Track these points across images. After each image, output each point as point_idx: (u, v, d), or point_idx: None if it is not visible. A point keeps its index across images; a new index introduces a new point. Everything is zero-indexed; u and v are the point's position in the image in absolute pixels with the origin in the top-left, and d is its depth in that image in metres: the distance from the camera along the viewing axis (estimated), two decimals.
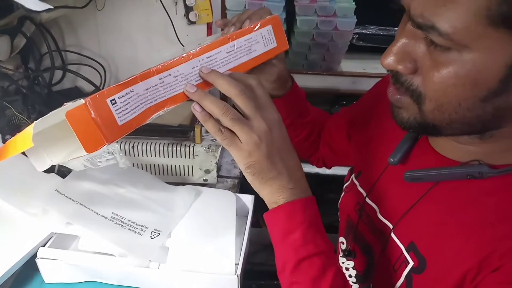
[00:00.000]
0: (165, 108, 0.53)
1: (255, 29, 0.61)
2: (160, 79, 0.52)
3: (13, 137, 0.52)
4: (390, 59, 0.47)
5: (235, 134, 0.52)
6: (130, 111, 0.49)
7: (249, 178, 0.55)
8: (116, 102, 0.47)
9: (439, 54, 0.43)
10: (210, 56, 0.56)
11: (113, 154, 0.53)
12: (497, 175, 0.50)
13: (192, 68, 0.54)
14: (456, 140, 0.53)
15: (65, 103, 0.47)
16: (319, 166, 0.95)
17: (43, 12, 0.74)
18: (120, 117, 0.48)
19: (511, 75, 0.41)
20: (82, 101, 0.45)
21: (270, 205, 0.56)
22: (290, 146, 0.57)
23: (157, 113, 0.52)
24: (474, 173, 0.51)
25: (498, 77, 0.42)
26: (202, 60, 0.55)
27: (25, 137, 0.46)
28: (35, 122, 0.45)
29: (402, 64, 0.46)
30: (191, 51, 0.55)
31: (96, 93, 0.46)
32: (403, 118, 0.51)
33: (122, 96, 0.48)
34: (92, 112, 0.45)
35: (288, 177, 0.55)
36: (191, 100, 0.54)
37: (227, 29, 0.66)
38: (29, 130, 0.45)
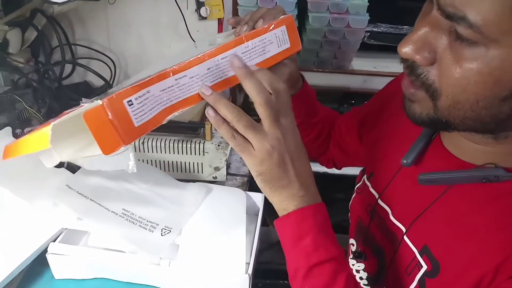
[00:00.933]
0: (180, 110, 0.52)
1: (269, 29, 0.60)
2: (176, 80, 0.51)
3: (26, 136, 0.52)
4: (408, 48, 0.45)
5: (248, 140, 0.52)
6: (146, 112, 0.48)
7: (260, 185, 0.55)
8: (132, 103, 0.47)
9: (464, 48, 0.41)
10: (225, 57, 0.55)
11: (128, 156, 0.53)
12: None
13: (208, 69, 0.54)
14: (471, 140, 0.52)
15: (82, 103, 0.46)
16: (329, 167, 0.94)
17: (56, 4, 0.73)
18: (137, 118, 0.47)
19: None
20: (99, 102, 0.45)
21: (280, 212, 0.56)
22: (303, 153, 0.56)
23: (172, 114, 0.52)
24: (490, 176, 0.50)
25: None
26: (218, 61, 0.55)
27: (41, 137, 0.46)
28: (53, 123, 0.44)
29: (420, 54, 0.45)
30: (207, 51, 0.54)
31: (113, 94, 0.46)
32: (416, 113, 0.50)
33: (139, 97, 0.47)
34: (109, 113, 0.45)
35: (299, 184, 0.54)
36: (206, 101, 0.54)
37: (239, 28, 0.65)
38: (46, 131, 0.44)
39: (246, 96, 0.64)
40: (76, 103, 1.03)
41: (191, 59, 0.53)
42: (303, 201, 0.54)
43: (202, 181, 0.87)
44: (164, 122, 0.51)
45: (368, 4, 1.05)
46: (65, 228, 0.70)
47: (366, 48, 1.20)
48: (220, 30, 1.14)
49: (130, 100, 0.46)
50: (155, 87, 0.49)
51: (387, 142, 0.70)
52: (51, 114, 1.01)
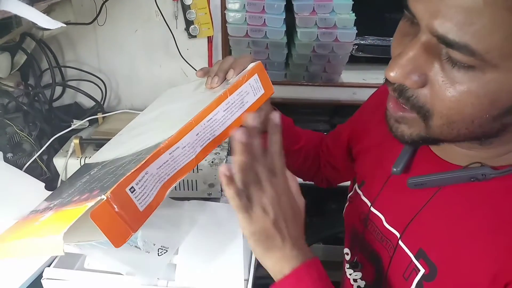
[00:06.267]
0: (178, 180, 0.53)
1: (244, 81, 0.61)
2: (170, 154, 0.52)
3: (20, 239, 0.53)
4: (397, 72, 0.44)
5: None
6: (148, 194, 0.49)
7: (252, 245, 0.54)
8: (135, 189, 0.47)
9: (458, 72, 0.41)
10: (210, 119, 0.56)
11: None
12: (500, 176, 0.50)
13: (197, 135, 0.55)
14: (458, 146, 0.53)
15: (85, 203, 0.46)
16: (324, 186, 0.94)
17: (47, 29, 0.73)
18: (141, 202, 0.48)
19: None
20: (103, 197, 0.45)
21: (275, 275, 0.55)
22: (298, 215, 0.56)
23: (171, 187, 0.52)
24: (478, 175, 0.51)
25: None
26: (204, 124, 0.56)
27: (51, 245, 0.46)
28: (63, 231, 0.45)
29: (410, 78, 0.44)
30: (193, 118, 0.55)
31: (114, 185, 0.46)
32: (404, 134, 0.50)
33: (139, 181, 0.48)
34: (115, 206, 0.45)
35: (291, 244, 0.54)
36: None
37: (210, 80, 0.65)
38: (58, 241, 0.45)
39: None
40: (67, 125, 1.03)
41: (180, 129, 0.53)
42: (297, 260, 0.54)
43: (197, 199, 0.87)
44: (165, 197, 0.51)
45: (355, 18, 1.07)
46: None
47: (354, 60, 1.22)
48: (210, 48, 1.15)
49: (132, 187, 0.47)
50: (152, 167, 0.50)
51: (375, 151, 0.71)
52: (42, 137, 1.01)
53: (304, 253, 0.55)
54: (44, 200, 0.64)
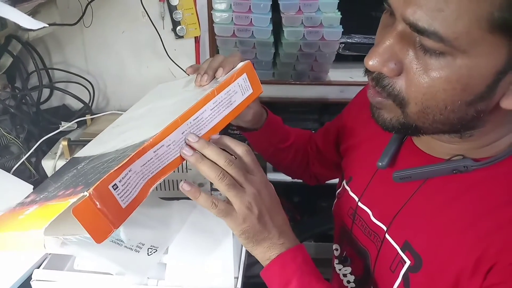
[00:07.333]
0: (162, 178, 0.53)
1: (232, 81, 0.62)
2: (154, 152, 0.52)
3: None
4: (375, 61, 0.47)
5: (228, 202, 0.55)
6: (131, 191, 0.49)
7: (243, 242, 0.58)
8: (117, 186, 0.48)
9: (430, 59, 0.43)
10: (197, 118, 0.57)
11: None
12: (481, 167, 0.52)
13: (182, 133, 0.55)
14: (439, 139, 0.55)
15: (68, 199, 0.46)
16: (312, 184, 0.96)
17: (31, 30, 0.73)
18: (123, 199, 0.48)
19: (497, 81, 0.43)
20: (85, 194, 0.45)
21: (263, 262, 0.59)
22: (277, 203, 0.60)
23: (154, 185, 0.53)
24: (460, 167, 0.53)
25: (486, 83, 0.43)
26: (190, 123, 0.56)
27: (32, 240, 0.47)
28: (44, 227, 0.45)
29: (387, 66, 0.46)
30: (179, 116, 0.55)
31: (97, 182, 0.46)
32: (385, 119, 0.52)
33: (122, 178, 0.48)
34: (97, 203, 0.45)
35: (278, 234, 0.58)
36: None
37: (200, 78, 0.66)
38: (39, 236, 0.45)
39: None
40: (55, 127, 1.02)
41: (166, 127, 0.54)
42: (283, 247, 0.58)
43: (186, 198, 0.87)
44: (148, 194, 0.52)
45: (341, 16, 1.08)
46: (49, 254, 0.69)
47: (341, 59, 1.22)
48: (197, 48, 1.15)
49: (115, 184, 0.47)
50: (136, 164, 0.50)
51: (363, 147, 0.72)
52: (30, 139, 1.00)
53: (289, 240, 0.59)
54: (32, 192, 0.64)
